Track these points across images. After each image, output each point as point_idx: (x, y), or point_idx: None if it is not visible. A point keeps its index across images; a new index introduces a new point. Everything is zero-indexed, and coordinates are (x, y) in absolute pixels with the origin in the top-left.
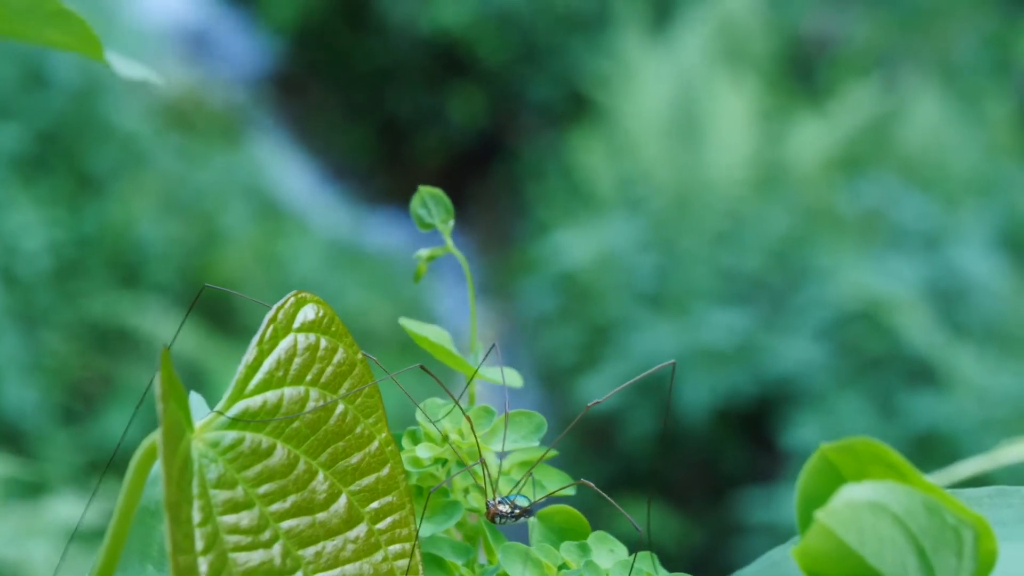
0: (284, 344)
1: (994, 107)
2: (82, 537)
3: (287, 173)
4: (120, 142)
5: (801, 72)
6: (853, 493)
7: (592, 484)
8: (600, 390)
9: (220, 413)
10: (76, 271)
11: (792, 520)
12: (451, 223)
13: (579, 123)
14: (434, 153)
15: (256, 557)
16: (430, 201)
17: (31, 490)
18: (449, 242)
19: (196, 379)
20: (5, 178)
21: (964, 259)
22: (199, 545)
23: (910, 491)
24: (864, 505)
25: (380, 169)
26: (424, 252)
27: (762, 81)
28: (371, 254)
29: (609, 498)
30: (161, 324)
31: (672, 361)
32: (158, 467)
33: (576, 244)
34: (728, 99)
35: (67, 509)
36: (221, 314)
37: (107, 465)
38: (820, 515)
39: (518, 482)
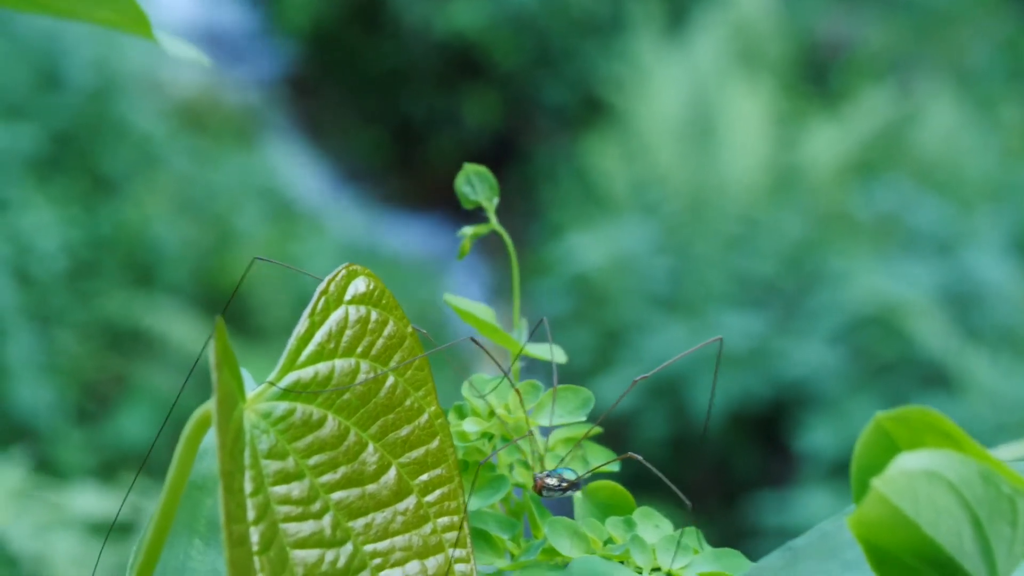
0: (335, 316)
1: (1009, 112)
2: (102, 530)
3: (301, 174)
4: (135, 143)
5: (816, 76)
6: (909, 461)
7: (640, 457)
8: (614, 393)
9: (272, 384)
10: (91, 271)
11: (805, 523)
12: (496, 200)
13: (593, 126)
14: (448, 156)
15: (307, 528)
16: (475, 178)
17: (51, 485)
18: (493, 219)
19: (207, 377)
20: (21, 178)
21: (978, 264)
22: (251, 515)
23: (965, 460)
24: (920, 473)
25: (394, 171)
26: (469, 229)
27: (777, 85)
28: (385, 255)
29: (658, 472)
30: (175, 324)
31: (719, 337)
32: (207, 440)
33: (590, 247)
34: (743, 103)
35: (88, 503)
36: (236, 314)
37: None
38: (876, 483)
39: (564, 457)
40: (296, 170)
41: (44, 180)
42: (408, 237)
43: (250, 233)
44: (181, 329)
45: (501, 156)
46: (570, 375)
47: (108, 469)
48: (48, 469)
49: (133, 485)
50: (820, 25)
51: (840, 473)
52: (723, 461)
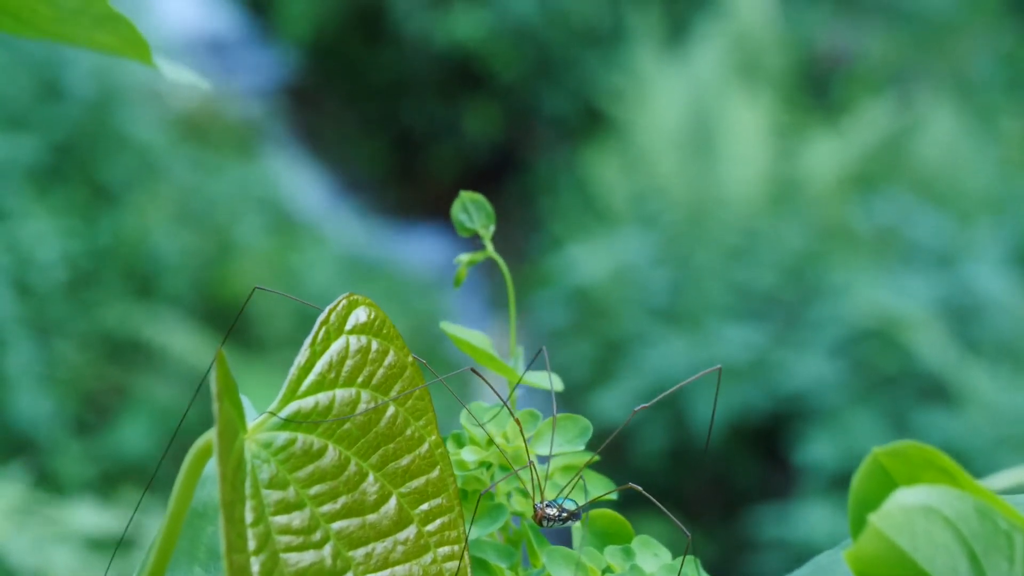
0: (336, 346)
1: (1009, 124)
2: (101, 545)
3: (301, 185)
4: (135, 153)
5: (816, 88)
6: (906, 497)
7: (640, 488)
8: (614, 406)
9: (273, 414)
10: (90, 282)
11: (804, 536)
12: (492, 228)
13: (593, 137)
14: (448, 166)
15: (307, 558)
16: (471, 206)
17: (50, 498)
18: (489, 247)
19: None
20: (20, 189)
21: (978, 276)
22: (251, 545)
23: (962, 495)
24: (917, 509)
25: (394, 182)
26: (465, 257)
27: (777, 96)
28: (385, 266)
29: (657, 502)
30: (175, 335)
31: (718, 367)
32: (208, 468)
33: (590, 259)
34: (742, 114)
35: (87, 517)
36: (236, 327)
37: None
38: (873, 518)
39: (564, 486)
40: (296, 181)
41: (44, 190)
42: (408, 248)
43: (250, 244)
44: (181, 340)
45: (501, 167)
46: (570, 387)
47: (108, 481)
48: (47, 481)
49: (139, 505)
50: (820, 37)
51: (840, 486)
52: (722, 473)
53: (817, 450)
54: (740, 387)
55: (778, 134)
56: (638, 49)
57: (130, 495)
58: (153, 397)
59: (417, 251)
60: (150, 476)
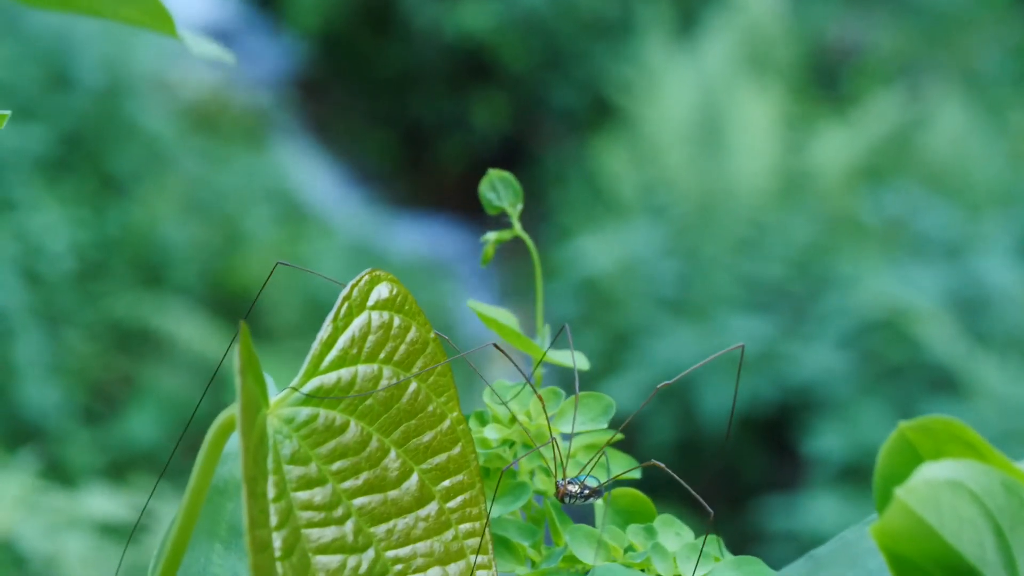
0: (358, 322)
1: (1018, 117)
2: (113, 531)
3: (310, 176)
4: (144, 144)
5: (825, 80)
6: (932, 471)
7: (663, 465)
8: (622, 396)
9: (295, 389)
10: (99, 272)
11: (813, 527)
12: (520, 206)
13: (602, 129)
14: (457, 158)
15: (329, 534)
16: (499, 184)
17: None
18: (517, 225)
19: (222, 379)
20: (30, 179)
21: (987, 268)
22: (273, 520)
23: (988, 470)
24: (943, 483)
25: (403, 173)
26: (492, 235)
27: (786, 89)
28: (394, 258)
29: (681, 480)
30: (183, 325)
31: (741, 344)
32: (229, 445)
33: (599, 250)
34: (752, 106)
35: (98, 504)
36: (246, 317)
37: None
38: (900, 492)
39: (586, 463)
40: (305, 172)
41: (53, 180)
42: (417, 240)
43: (259, 235)
44: (189, 330)
45: (510, 159)
46: (580, 378)
47: (116, 470)
48: (57, 469)
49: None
50: (830, 29)
51: (848, 477)
52: (731, 465)
53: (825, 441)
54: (748, 379)
55: (787, 126)
56: (647, 41)
57: (140, 483)
58: (161, 387)
59: (426, 242)
60: (161, 464)
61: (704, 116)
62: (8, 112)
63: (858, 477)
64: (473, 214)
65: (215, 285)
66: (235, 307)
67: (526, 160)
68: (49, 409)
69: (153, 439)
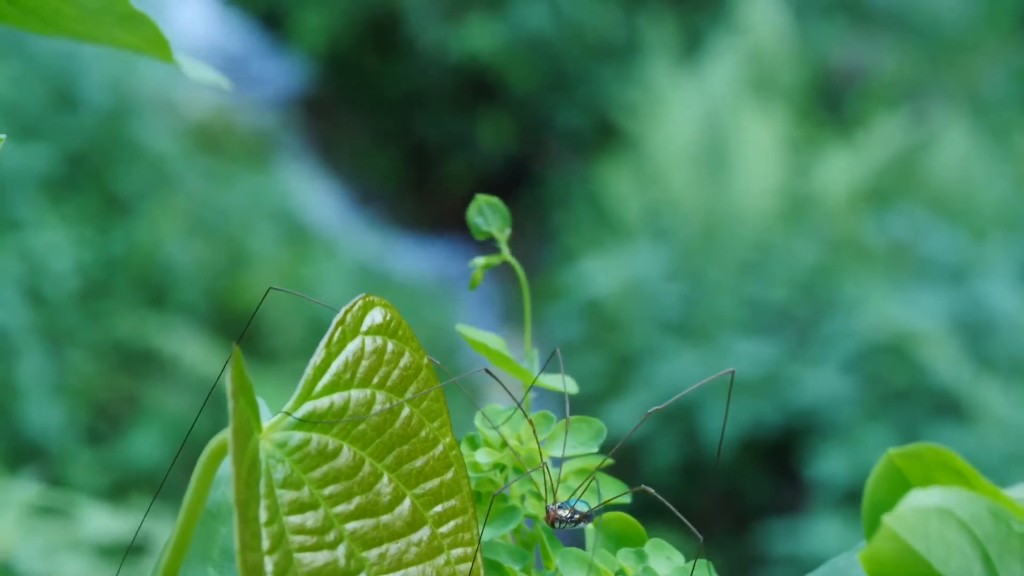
0: (352, 347)
1: (1022, 140)
2: (112, 552)
3: (314, 196)
4: (149, 163)
5: (830, 103)
6: (920, 498)
7: (653, 491)
8: (625, 419)
9: (288, 414)
10: (103, 291)
11: (816, 552)
12: (508, 231)
13: (607, 151)
14: (461, 179)
15: (321, 558)
16: (487, 209)
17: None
18: (505, 250)
19: (222, 399)
20: (34, 198)
21: (991, 292)
22: (265, 544)
23: (976, 497)
24: (931, 510)
25: (407, 194)
26: (480, 260)
27: (790, 111)
28: (397, 279)
29: (671, 505)
30: (187, 345)
31: (731, 370)
32: (222, 469)
33: (602, 272)
34: (756, 129)
35: (98, 524)
36: (247, 337)
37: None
38: (887, 519)
39: (577, 488)
40: (309, 192)
41: (58, 200)
42: (421, 261)
43: (263, 255)
44: (193, 350)
45: (514, 180)
46: (581, 401)
47: (119, 490)
48: (58, 489)
49: (148, 511)
50: (834, 52)
51: (851, 501)
52: (734, 488)
53: (829, 465)
54: (752, 402)
55: (791, 149)
56: (652, 63)
57: (142, 504)
58: (165, 407)
59: (430, 263)
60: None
61: (708, 138)
62: (3, 136)
63: (861, 501)
64: None
65: (219, 305)
66: (238, 327)
67: (530, 181)
68: (51, 429)
69: (156, 460)
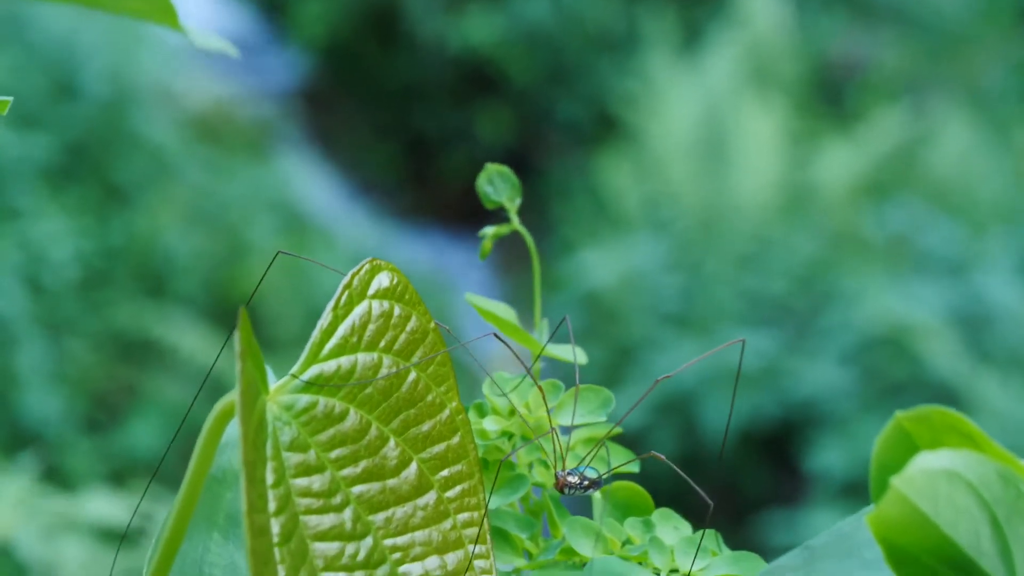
0: (359, 310)
1: (1022, 134)
2: (112, 536)
3: (314, 187)
4: (148, 154)
5: (830, 96)
6: (928, 460)
7: (663, 457)
8: (624, 409)
9: (295, 376)
10: (102, 281)
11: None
12: (518, 201)
13: (606, 143)
14: (461, 171)
15: (327, 521)
16: (497, 178)
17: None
18: (515, 219)
19: (219, 385)
20: (34, 187)
21: (990, 286)
22: (272, 506)
23: (985, 460)
24: (939, 472)
25: (407, 185)
26: (490, 229)
27: (790, 104)
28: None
29: (680, 471)
30: (186, 335)
31: (742, 339)
32: (228, 433)
33: (601, 264)
34: (756, 122)
35: (98, 508)
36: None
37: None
38: (896, 481)
39: (585, 456)
40: (309, 183)
41: (57, 190)
42: (420, 252)
43: (262, 245)
44: (192, 340)
45: (514, 171)
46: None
47: (117, 478)
48: (57, 477)
49: (146, 492)
50: (834, 45)
51: (850, 493)
52: (733, 480)
53: (827, 457)
54: (751, 394)
55: (791, 141)
56: (652, 55)
57: (140, 490)
58: (163, 397)
59: (428, 254)
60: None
61: (708, 131)
62: (10, 98)
63: (860, 493)
64: (477, 227)
65: (218, 295)
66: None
67: (530, 173)
68: (50, 418)
69: (154, 449)
